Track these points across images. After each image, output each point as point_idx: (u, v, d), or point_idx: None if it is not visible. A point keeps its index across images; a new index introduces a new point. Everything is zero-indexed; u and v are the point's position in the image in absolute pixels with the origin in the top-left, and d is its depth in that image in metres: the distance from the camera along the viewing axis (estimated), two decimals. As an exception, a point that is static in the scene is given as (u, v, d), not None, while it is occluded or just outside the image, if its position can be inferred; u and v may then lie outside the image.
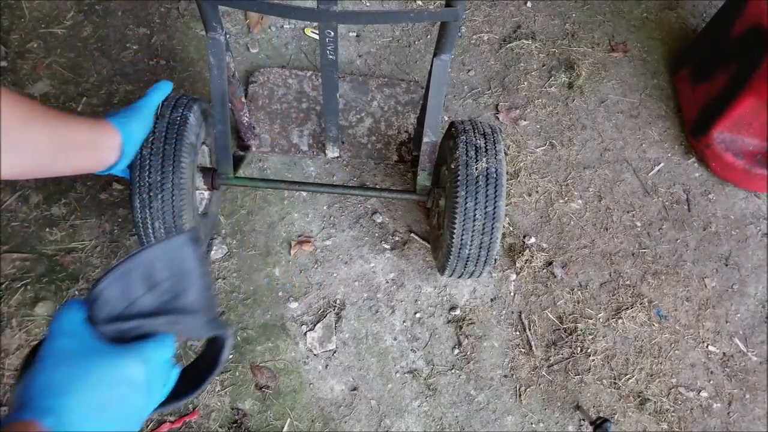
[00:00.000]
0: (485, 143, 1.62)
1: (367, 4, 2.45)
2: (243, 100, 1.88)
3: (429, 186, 1.79)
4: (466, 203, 1.57)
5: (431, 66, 1.63)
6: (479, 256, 1.65)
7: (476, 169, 1.58)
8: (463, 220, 1.58)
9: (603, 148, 2.29)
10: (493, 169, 1.59)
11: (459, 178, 1.58)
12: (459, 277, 1.79)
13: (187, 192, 1.56)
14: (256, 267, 1.95)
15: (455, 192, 1.58)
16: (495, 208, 1.57)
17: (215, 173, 1.74)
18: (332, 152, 2.06)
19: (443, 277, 1.88)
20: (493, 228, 1.59)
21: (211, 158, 1.85)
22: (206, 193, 1.82)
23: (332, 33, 1.45)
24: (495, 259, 1.80)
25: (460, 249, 1.63)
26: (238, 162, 1.93)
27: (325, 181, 2.10)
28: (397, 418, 1.81)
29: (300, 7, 1.39)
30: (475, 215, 1.57)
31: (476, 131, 1.66)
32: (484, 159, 1.59)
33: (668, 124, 2.37)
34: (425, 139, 1.71)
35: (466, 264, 1.68)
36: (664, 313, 2.04)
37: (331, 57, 1.54)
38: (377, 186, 2.11)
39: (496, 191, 1.57)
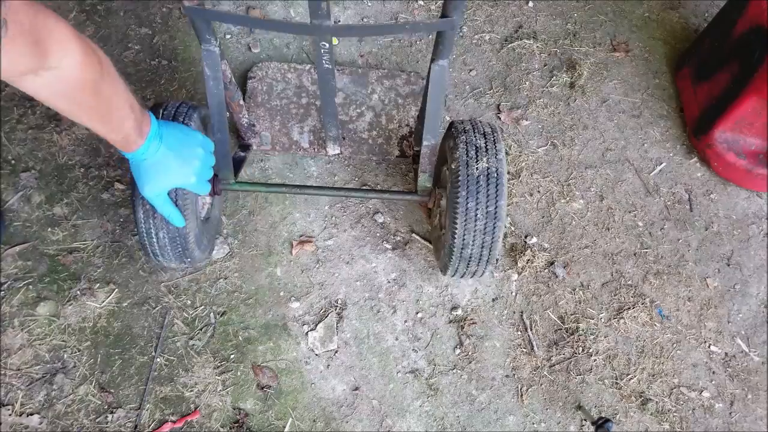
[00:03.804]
0: (485, 143, 1.62)
1: (369, 4, 2.45)
2: (241, 102, 1.87)
3: (430, 187, 1.79)
4: (467, 203, 1.56)
5: (429, 71, 1.63)
6: (481, 255, 1.65)
7: (477, 169, 1.57)
8: (465, 220, 1.58)
9: (605, 147, 2.29)
10: (494, 169, 1.58)
11: (459, 178, 1.58)
12: (461, 276, 1.78)
13: (191, 201, 1.56)
14: (258, 267, 1.96)
15: (456, 192, 1.58)
16: (496, 207, 1.57)
17: (216, 179, 1.73)
18: (333, 149, 2.06)
19: (445, 276, 1.88)
20: (494, 227, 1.59)
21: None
22: (208, 198, 1.81)
23: (327, 45, 1.45)
24: (497, 259, 1.80)
25: (462, 249, 1.63)
26: (239, 164, 1.92)
27: (326, 180, 2.10)
28: (399, 418, 1.81)
29: (293, 22, 1.38)
30: (476, 215, 1.57)
31: (476, 131, 1.65)
32: (485, 159, 1.59)
33: (670, 123, 2.37)
34: (425, 142, 1.71)
35: (468, 264, 1.68)
36: (666, 313, 2.04)
37: (327, 66, 1.53)
38: (378, 186, 2.11)
39: (497, 191, 1.57)
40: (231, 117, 1.88)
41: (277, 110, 2.13)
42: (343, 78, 2.20)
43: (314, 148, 2.09)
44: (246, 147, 2.04)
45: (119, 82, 1.20)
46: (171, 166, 1.39)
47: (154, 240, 1.57)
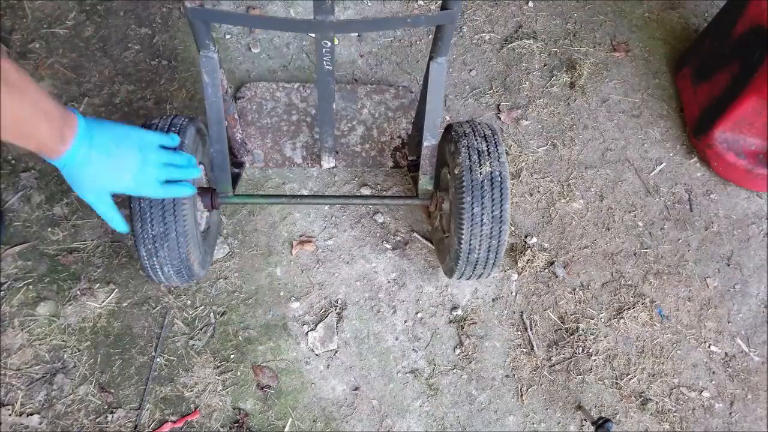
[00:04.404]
0: (487, 146, 1.61)
1: (369, 4, 2.45)
2: (236, 116, 1.85)
3: (431, 190, 1.78)
4: (473, 209, 1.55)
5: (427, 69, 1.62)
6: (488, 259, 1.65)
7: (480, 174, 1.56)
8: (471, 226, 1.57)
9: (605, 147, 2.29)
10: (497, 173, 1.57)
11: (464, 184, 1.56)
12: (467, 279, 1.78)
13: (192, 235, 1.54)
14: (258, 267, 1.96)
15: (461, 198, 1.57)
16: (502, 211, 1.56)
17: (214, 193, 1.71)
18: (328, 163, 2.05)
19: (450, 279, 1.88)
20: (500, 231, 1.58)
21: (208, 176, 1.80)
22: (206, 211, 1.80)
23: (329, 44, 1.44)
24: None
25: (468, 254, 1.62)
26: (234, 180, 1.90)
27: (326, 180, 2.10)
28: (399, 418, 1.81)
29: (296, 19, 1.37)
30: (482, 220, 1.56)
31: (476, 134, 1.64)
32: (488, 163, 1.57)
33: (670, 123, 2.37)
34: (425, 143, 1.70)
35: (474, 268, 1.68)
36: (666, 313, 2.04)
37: (327, 68, 1.52)
38: (379, 185, 2.11)
39: (501, 194, 1.56)
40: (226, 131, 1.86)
41: (268, 128, 2.11)
42: None
43: (308, 163, 2.08)
44: (239, 164, 2.02)
45: (27, 90, 1.06)
46: (102, 169, 1.23)
47: (159, 273, 1.57)
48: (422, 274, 2.00)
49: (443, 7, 1.40)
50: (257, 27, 1.53)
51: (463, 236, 1.58)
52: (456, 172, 1.60)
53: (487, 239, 1.59)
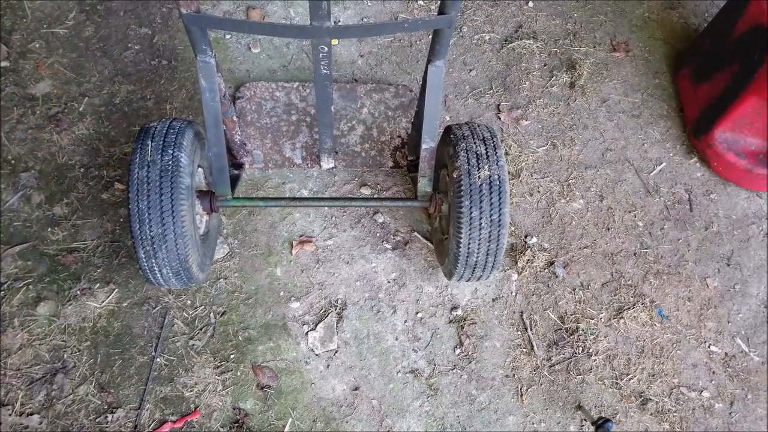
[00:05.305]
0: (485, 149, 1.59)
1: (369, 4, 2.45)
2: (234, 119, 1.85)
3: (430, 192, 1.78)
4: (471, 213, 1.55)
5: (425, 72, 1.62)
6: (486, 262, 1.64)
7: (479, 178, 1.55)
8: (469, 230, 1.56)
9: (605, 147, 2.29)
10: (496, 176, 1.56)
11: (462, 187, 1.55)
12: (467, 281, 1.79)
13: (190, 237, 1.53)
14: (258, 267, 1.96)
15: (459, 202, 1.56)
16: (500, 215, 1.56)
17: (213, 196, 1.70)
18: (327, 163, 2.05)
19: (450, 281, 1.87)
20: (499, 235, 1.58)
21: (207, 179, 1.80)
22: (205, 215, 1.80)
23: (326, 48, 1.44)
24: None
25: (467, 257, 1.62)
26: (233, 182, 1.89)
27: (326, 180, 2.10)
28: (399, 418, 1.81)
29: (293, 25, 1.37)
30: (480, 224, 1.55)
31: (475, 137, 1.62)
32: (486, 166, 1.56)
33: (670, 123, 2.37)
34: (424, 146, 1.69)
35: (473, 270, 1.68)
36: (666, 313, 2.04)
37: (325, 71, 1.52)
38: (378, 186, 2.11)
39: (500, 198, 1.55)
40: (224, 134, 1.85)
41: (268, 128, 2.11)
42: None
43: (308, 164, 2.08)
44: (239, 165, 2.02)
45: None
46: None
47: (158, 275, 1.57)
48: (422, 274, 2.00)
49: (441, 11, 1.40)
50: (254, 33, 1.53)
51: (461, 239, 1.58)
52: (455, 176, 1.59)
53: (485, 243, 1.59)
